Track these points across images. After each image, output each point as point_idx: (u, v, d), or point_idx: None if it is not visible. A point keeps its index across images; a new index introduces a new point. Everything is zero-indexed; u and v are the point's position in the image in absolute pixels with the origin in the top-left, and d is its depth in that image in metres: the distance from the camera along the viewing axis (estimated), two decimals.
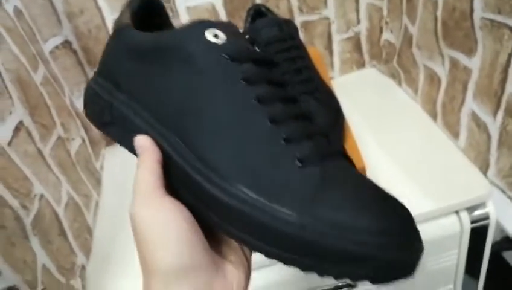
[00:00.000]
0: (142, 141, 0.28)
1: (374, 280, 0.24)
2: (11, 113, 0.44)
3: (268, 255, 0.25)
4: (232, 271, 0.26)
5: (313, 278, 0.54)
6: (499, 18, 0.42)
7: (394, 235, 0.24)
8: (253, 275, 0.51)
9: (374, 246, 0.23)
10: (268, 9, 0.56)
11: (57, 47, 0.62)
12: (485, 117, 0.48)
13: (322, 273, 0.24)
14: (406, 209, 0.26)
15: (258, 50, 0.29)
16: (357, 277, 0.24)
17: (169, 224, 0.24)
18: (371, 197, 0.26)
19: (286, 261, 0.25)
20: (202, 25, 0.28)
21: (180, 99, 0.28)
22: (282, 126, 0.26)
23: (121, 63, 0.32)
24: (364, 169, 0.43)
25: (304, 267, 0.24)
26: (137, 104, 0.31)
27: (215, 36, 0.28)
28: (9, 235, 0.40)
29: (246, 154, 0.26)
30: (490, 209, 0.52)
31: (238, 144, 0.26)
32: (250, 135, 0.26)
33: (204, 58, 0.28)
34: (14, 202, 0.41)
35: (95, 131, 0.68)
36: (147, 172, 0.26)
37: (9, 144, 0.43)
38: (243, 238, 0.25)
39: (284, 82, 0.29)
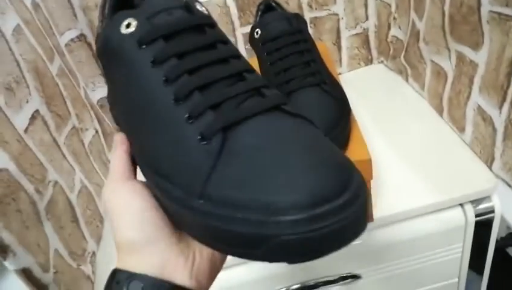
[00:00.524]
0: (117, 136, 0.31)
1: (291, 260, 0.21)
2: (27, 101, 0.46)
3: (201, 242, 0.25)
4: (194, 253, 0.27)
5: (314, 270, 0.55)
6: (506, 11, 0.42)
7: (305, 208, 0.20)
8: (252, 267, 0.52)
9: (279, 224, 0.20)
10: (278, 4, 0.57)
11: (72, 40, 0.64)
12: (491, 111, 0.49)
13: (248, 257, 0.22)
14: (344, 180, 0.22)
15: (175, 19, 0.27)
16: (273, 259, 0.21)
17: (128, 203, 0.26)
18: (289, 163, 0.22)
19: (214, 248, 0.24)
20: (118, 16, 0.28)
21: (122, 98, 0.29)
22: (186, 102, 0.25)
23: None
24: (369, 161, 0.44)
25: (234, 253, 0.23)
26: (115, 103, 0.32)
27: (128, 26, 0.27)
28: (24, 218, 0.42)
29: (160, 144, 0.26)
30: (495, 202, 0.52)
31: (155, 135, 0.26)
32: (160, 122, 0.26)
33: (122, 51, 0.27)
34: (30, 187, 0.43)
35: (108, 123, 0.69)
36: (114, 161, 0.29)
37: (26, 131, 0.45)
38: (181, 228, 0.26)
39: (204, 46, 0.27)
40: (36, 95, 0.48)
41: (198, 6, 0.29)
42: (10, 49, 0.45)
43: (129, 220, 0.26)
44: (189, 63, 0.26)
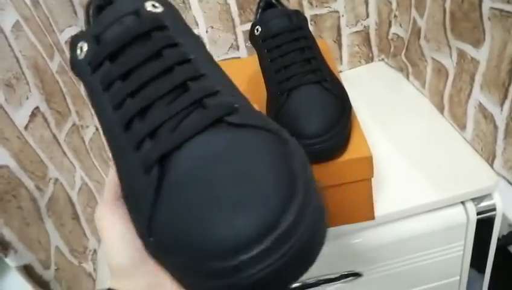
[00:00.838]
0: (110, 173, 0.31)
1: None
2: (27, 98, 0.46)
3: None
4: None
5: (315, 268, 0.55)
6: (508, 7, 0.42)
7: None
8: None
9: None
10: (278, 1, 0.57)
11: None
12: (492, 108, 0.49)
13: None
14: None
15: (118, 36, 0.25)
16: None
17: (111, 226, 0.26)
18: (221, 207, 0.20)
19: None
20: (74, 41, 0.27)
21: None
22: (130, 130, 0.24)
23: None
24: (370, 159, 0.44)
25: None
26: None
27: (81, 49, 0.26)
28: (24, 215, 0.42)
29: (119, 170, 0.26)
30: (496, 200, 0.52)
31: (116, 159, 0.26)
32: (117, 148, 0.25)
33: (82, 78, 0.27)
34: (30, 184, 0.43)
35: None
36: (108, 180, 0.29)
37: (26, 128, 0.45)
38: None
39: (148, 57, 0.25)
40: (36, 92, 0.48)
41: (149, 7, 0.27)
42: (10, 45, 0.45)
43: (114, 245, 0.26)
44: (131, 84, 0.25)
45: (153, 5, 0.27)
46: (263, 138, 0.23)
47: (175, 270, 0.22)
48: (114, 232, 0.26)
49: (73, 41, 0.27)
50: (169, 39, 0.26)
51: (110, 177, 0.29)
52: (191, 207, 0.21)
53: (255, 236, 0.18)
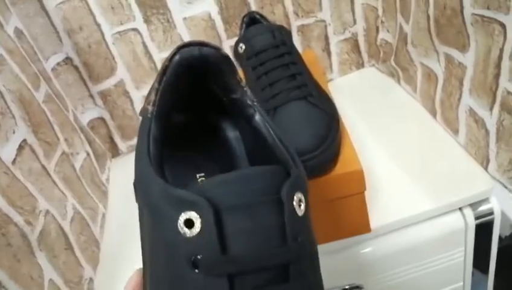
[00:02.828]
0: (134, 274, 0.28)
1: None
2: (14, 132, 0.46)
3: None
4: None
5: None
6: (488, 13, 0.42)
7: None
8: None
9: None
10: (262, 16, 0.57)
11: (58, 64, 0.64)
12: (482, 112, 0.48)
13: None
14: None
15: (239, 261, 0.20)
16: None
17: None
18: None
19: None
20: (177, 203, 0.21)
21: (147, 252, 0.24)
22: None
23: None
24: (361, 172, 0.43)
25: None
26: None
27: (189, 223, 0.20)
28: (15, 252, 0.41)
29: None
30: (494, 204, 0.51)
31: None
32: None
33: (170, 251, 0.21)
34: (19, 219, 0.43)
35: (99, 143, 0.69)
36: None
37: (14, 162, 0.44)
38: None
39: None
40: (23, 124, 0.47)
41: (296, 201, 0.21)
42: None
43: None
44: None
45: (299, 201, 0.22)
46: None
47: None
48: None
49: (177, 204, 0.21)
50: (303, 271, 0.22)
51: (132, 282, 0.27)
52: None
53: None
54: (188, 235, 0.20)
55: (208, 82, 0.28)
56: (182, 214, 0.20)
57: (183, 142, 0.30)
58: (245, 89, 0.28)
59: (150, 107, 0.26)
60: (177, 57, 0.25)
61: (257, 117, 0.28)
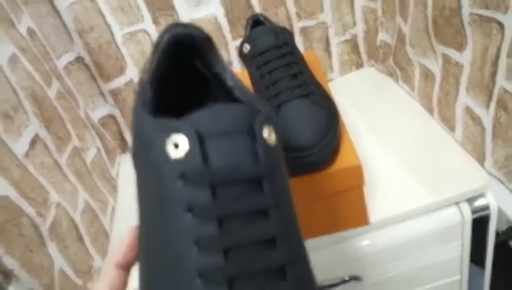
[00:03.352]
0: (126, 235, 0.30)
1: None
2: (26, 127, 0.48)
3: None
4: None
5: (317, 273, 0.56)
6: (486, 13, 0.43)
7: None
8: None
9: None
10: (265, 18, 0.59)
11: (70, 63, 0.66)
12: (479, 110, 0.50)
13: None
14: None
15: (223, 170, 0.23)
16: None
17: None
18: None
19: None
20: (165, 126, 0.23)
21: (145, 215, 0.26)
22: (211, 284, 0.22)
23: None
24: (359, 168, 0.45)
25: None
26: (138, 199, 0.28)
27: (176, 146, 0.23)
28: (27, 242, 0.43)
29: None
30: (490, 199, 0.53)
31: (161, 280, 0.24)
32: (174, 277, 0.23)
33: (159, 174, 0.23)
34: (31, 211, 0.44)
35: (109, 140, 0.71)
36: (104, 273, 0.29)
37: (26, 155, 0.46)
38: None
39: (254, 213, 0.23)
40: (35, 119, 0.49)
41: (266, 132, 0.24)
42: (6, 77, 0.47)
43: None
44: (229, 237, 0.22)
45: (270, 132, 0.25)
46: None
47: None
48: None
49: (166, 127, 0.23)
50: (279, 195, 0.24)
51: (106, 265, 0.29)
52: None
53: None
54: (176, 157, 0.23)
55: (193, 59, 0.31)
56: (170, 137, 0.23)
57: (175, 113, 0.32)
58: (225, 67, 0.30)
59: (145, 77, 0.29)
60: (167, 35, 0.29)
61: (236, 91, 0.29)
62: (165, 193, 0.23)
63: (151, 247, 0.25)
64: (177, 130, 0.23)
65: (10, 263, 0.40)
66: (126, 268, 0.29)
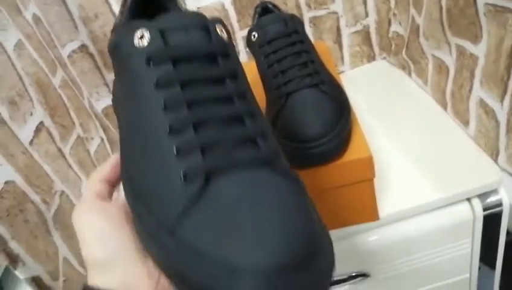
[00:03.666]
0: (112, 158, 0.32)
1: None
2: (31, 114, 0.47)
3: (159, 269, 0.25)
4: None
5: None
6: (502, 3, 0.42)
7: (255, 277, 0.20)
8: None
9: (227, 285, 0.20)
10: (275, 6, 0.57)
11: (74, 51, 0.65)
12: (493, 103, 0.48)
13: None
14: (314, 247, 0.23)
15: (187, 46, 0.26)
16: None
17: (93, 223, 0.28)
18: (261, 224, 0.22)
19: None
20: (134, 25, 0.27)
21: (123, 109, 0.29)
22: (179, 136, 0.25)
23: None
24: (370, 159, 0.44)
25: None
26: (119, 106, 0.31)
27: (141, 37, 0.26)
28: (32, 228, 0.43)
29: (145, 171, 0.26)
30: (502, 196, 0.52)
31: (143, 159, 0.26)
32: (151, 148, 0.26)
33: (130, 64, 0.27)
34: (36, 198, 0.44)
35: (113, 131, 0.70)
36: (89, 183, 0.31)
37: (31, 143, 0.46)
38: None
39: (211, 79, 0.26)
40: (40, 107, 0.49)
41: (218, 29, 0.28)
42: (12, 64, 0.46)
43: (93, 238, 0.27)
44: (191, 94, 0.25)
45: (221, 30, 0.28)
46: (303, 191, 0.27)
47: (184, 275, 0.22)
48: (96, 228, 0.27)
49: (135, 25, 0.27)
50: (233, 69, 0.28)
51: (91, 179, 0.31)
52: (231, 225, 0.22)
53: (300, 261, 0.21)
54: (141, 45, 0.26)
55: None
56: (136, 32, 0.26)
57: None
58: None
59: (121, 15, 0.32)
60: None
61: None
62: (136, 77, 0.26)
63: (129, 134, 0.28)
64: (142, 26, 0.26)
65: (16, 247, 0.40)
66: (111, 184, 0.31)
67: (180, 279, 0.23)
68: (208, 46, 0.27)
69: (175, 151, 0.24)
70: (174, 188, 0.24)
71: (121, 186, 0.30)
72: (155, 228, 0.24)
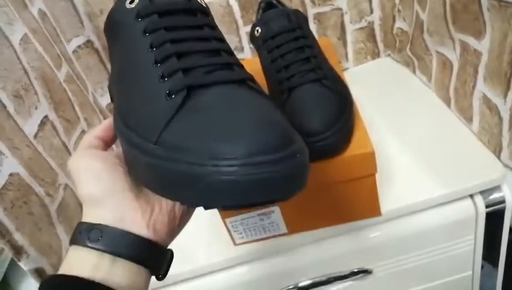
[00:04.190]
0: (105, 120, 0.35)
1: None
2: (36, 108, 0.47)
3: (149, 187, 0.28)
4: (153, 207, 0.31)
5: (325, 265, 0.55)
6: None
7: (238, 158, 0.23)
8: (263, 264, 0.53)
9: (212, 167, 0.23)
10: (279, 1, 0.58)
11: (79, 47, 0.65)
12: (496, 99, 0.48)
13: (181, 200, 0.26)
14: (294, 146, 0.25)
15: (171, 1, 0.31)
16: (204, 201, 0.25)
17: (88, 164, 0.30)
18: (239, 123, 0.25)
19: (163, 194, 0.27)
20: None
21: (116, 66, 0.33)
22: (163, 64, 0.29)
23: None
24: (372, 154, 0.44)
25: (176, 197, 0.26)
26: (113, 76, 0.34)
27: (131, 2, 0.31)
28: (36, 220, 0.43)
29: (133, 99, 0.30)
30: (505, 192, 0.51)
31: (132, 91, 0.30)
32: (138, 80, 0.30)
33: (123, 22, 0.31)
34: (40, 190, 0.44)
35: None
36: (84, 139, 0.33)
37: (36, 136, 0.46)
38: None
39: (192, 26, 0.31)
40: (44, 101, 0.49)
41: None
42: (18, 58, 0.46)
43: (88, 177, 0.29)
44: (174, 35, 0.30)
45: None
46: (276, 106, 0.30)
47: (171, 169, 0.25)
48: (90, 168, 0.30)
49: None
50: (211, 22, 0.33)
51: (85, 136, 0.33)
52: (212, 124, 0.25)
53: (275, 147, 0.24)
54: (131, 7, 0.31)
55: None
56: None
57: None
58: None
59: None
60: None
61: None
62: (128, 30, 0.31)
63: (120, 77, 0.32)
64: None
65: (20, 239, 0.40)
66: (105, 143, 0.34)
67: (165, 177, 0.25)
68: (188, 3, 0.31)
69: (160, 76, 0.28)
70: (159, 105, 0.27)
71: (117, 143, 0.34)
72: (142, 142, 0.27)
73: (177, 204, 0.32)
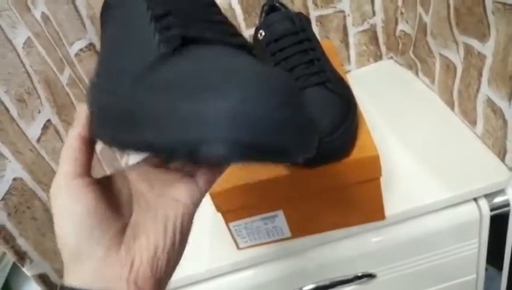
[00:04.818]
0: (77, 112, 0.30)
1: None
2: (39, 111, 0.47)
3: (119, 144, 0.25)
4: (133, 258, 0.27)
5: (328, 269, 0.54)
6: (510, 1, 0.42)
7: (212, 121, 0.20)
8: (263, 268, 0.52)
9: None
10: (282, 5, 0.57)
11: (82, 50, 0.65)
12: (500, 102, 0.48)
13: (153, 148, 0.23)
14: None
15: None
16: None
17: (69, 207, 0.26)
18: (244, 69, 0.23)
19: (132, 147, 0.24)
20: None
21: (106, 44, 0.30)
22: (160, 21, 0.27)
23: None
24: (377, 157, 0.44)
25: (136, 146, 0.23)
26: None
27: None
28: (39, 226, 0.43)
29: (124, 50, 0.28)
30: (510, 196, 0.51)
31: (123, 47, 0.28)
32: (132, 37, 0.28)
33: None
34: (43, 195, 0.44)
35: None
36: (65, 151, 0.28)
37: (38, 140, 0.46)
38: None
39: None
40: (47, 105, 0.49)
41: None
42: (21, 61, 0.46)
43: (67, 226, 0.26)
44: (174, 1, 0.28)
45: None
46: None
47: (158, 115, 0.22)
48: (71, 212, 0.26)
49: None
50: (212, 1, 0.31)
51: (68, 147, 0.29)
52: (202, 74, 0.23)
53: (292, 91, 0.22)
54: None
55: None
56: None
57: None
58: None
59: None
60: None
61: None
62: (125, 4, 0.29)
63: (112, 42, 0.29)
64: None
65: (24, 244, 0.40)
66: (89, 142, 0.30)
67: (136, 123, 0.23)
68: None
69: (154, 29, 0.26)
70: (150, 48, 0.26)
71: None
72: (113, 86, 0.25)
73: (161, 247, 0.27)
